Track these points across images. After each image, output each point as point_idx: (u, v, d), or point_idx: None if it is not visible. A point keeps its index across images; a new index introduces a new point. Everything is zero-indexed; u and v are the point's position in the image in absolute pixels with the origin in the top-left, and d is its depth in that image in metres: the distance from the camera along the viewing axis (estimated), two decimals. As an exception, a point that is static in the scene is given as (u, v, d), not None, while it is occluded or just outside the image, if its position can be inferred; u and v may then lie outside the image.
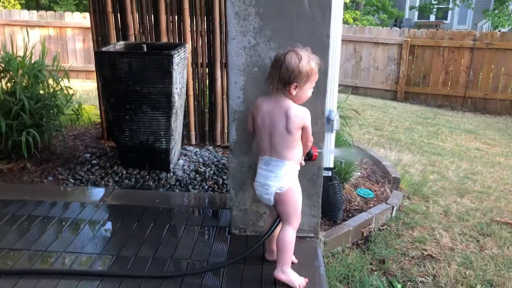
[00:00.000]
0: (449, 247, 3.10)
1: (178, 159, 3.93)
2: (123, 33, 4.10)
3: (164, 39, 4.11)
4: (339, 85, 3.10)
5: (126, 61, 3.35)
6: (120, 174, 3.65)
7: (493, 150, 5.83)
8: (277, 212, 2.26)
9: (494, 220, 3.53)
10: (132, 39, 4.08)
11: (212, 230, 2.82)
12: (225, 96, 4.26)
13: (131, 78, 3.38)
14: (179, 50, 3.48)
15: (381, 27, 10.60)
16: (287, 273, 2.20)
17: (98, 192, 3.36)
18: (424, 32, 9.64)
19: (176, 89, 3.48)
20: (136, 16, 4.10)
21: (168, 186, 3.52)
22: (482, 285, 2.68)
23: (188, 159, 3.99)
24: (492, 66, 9.11)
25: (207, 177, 3.67)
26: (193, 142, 4.38)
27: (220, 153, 4.18)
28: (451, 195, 3.99)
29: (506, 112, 9.05)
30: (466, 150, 5.62)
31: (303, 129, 2.17)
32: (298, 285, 2.19)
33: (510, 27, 16.45)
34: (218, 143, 4.38)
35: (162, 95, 3.40)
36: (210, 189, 3.51)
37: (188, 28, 4.13)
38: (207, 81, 4.30)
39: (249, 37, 2.43)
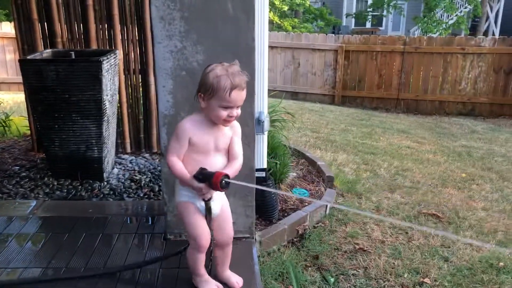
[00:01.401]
0: (379, 240, 3.24)
1: (113, 168, 3.85)
2: (50, 40, 3.98)
3: (94, 47, 4.03)
4: (279, 90, 3.19)
5: (52, 68, 3.26)
6: (51, 186, 3.53)
7: (422, 148, 6.14)
8: None
9: (421, 213, 3.72)
10: (60, 46, 3.97)
11: (147, 237, 2.79)
12: (160, 103, 4.23)
13: (59, 86, 3.30)
14: (109, 56, 3.43)
15: (317, 34, 10.92)
16: (195, 280, 2.19)
17: (27, 205, 3.22)
18: (357, 38, 10.03)
19: (107, 96, 3.42)
20: (64, 23, 4.00)
21: (101, 195, 3.44)
22: (409, 273, 2.81)
23: (123, 168, 3.93)
24: (422, 69, 9.63)
25: (142, 184, 3.62)
26: (129, 150, 4.31)
27: (157, 160, 4.14)
28: (383, 191, 4.16)
29: (435, 112, 9.57)
30: (398, 149, 5.89)
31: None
32: None
33: (438, 33, 17.43)
34: (155, 150, 4.33)
35: (92, 102, 3.34)
36: (146, 196, 3.47)
37: (118, 35, 4.08)
38: (141, 87, 4.25)
39: (176, 41, 2.44)
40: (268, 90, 3.28)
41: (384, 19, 23.74)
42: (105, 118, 3.44)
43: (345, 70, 10.06)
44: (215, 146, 2.00)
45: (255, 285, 2.34)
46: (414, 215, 3.66)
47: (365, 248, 3.09)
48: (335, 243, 3.15)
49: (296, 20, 19.08)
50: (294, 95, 10.40)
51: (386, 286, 2.69)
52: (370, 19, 22.83)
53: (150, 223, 2.99)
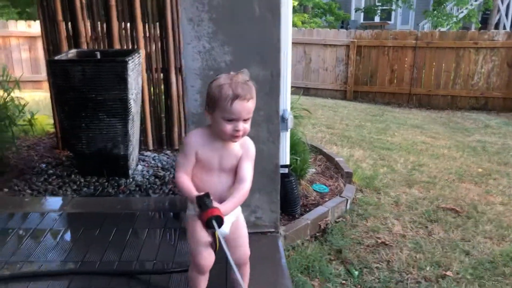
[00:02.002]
0: (400, 234, 3.31)
1: (137, 165, 3.95)
2: (75, 40, 4.08)
3: (117, 46, 4.12)
4: (291, 86, 3.24)
5: (79, 69, 3.35)
6: (78, 183, 3.63)
7: (437, 143, 6.17)
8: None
9: (440, 207, 3.78)
10: (84, 46, 4.07)
11: (175, 231, 2.87)
12: (181, 100, 4.32)
13: (85, 86, 3.39)
14: (133, 56, 3.52)
15: (328, 29, 10.94)
16: None
17: (57, 202, 3.34)
18: (369, 33, 10.03)
19: (132, 95, 3.51)
20: (88, 23, 4.09)
21: (128, 192, 3.54)
22: (431, 267, 2.88)
23: (146, 164, 4.02)
24: (434, 64, 9.61)
25: (166, 181, 3.72)
26: (151, 147, 4.40)
27: (178, 157, 4.22)
28: (401, 186, 4.22)
29: (448, 107, 9.56)
30: (413, 144, 5.93)
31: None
32: None
33: (448, 26, 17.33)
34: (176, 147, 4.42)
35: (118, 101, 3.43)
36: (171, 192, 3.56)
37: (141, 34, 4.16)
38: (162, 86, 4.34)
39: (204, 42, 2.51)
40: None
41: (393, 13, 23.63)
42: (131, 117, 3.53)
43: (357, 65, 10.07)
44: (219, 165, 1.83)
45: (284, 278, 2.41)
46: (433, 210, 3.71)
47: (387, 242, 3.16)
48: (357, 237, 3.22)
49: (305, 15, 19.04)
50: (306, 91, 10.40)
51: (409, 278, 2.76)
52: (379, 13, 22.72)
53: (176, 218, 3.07)
